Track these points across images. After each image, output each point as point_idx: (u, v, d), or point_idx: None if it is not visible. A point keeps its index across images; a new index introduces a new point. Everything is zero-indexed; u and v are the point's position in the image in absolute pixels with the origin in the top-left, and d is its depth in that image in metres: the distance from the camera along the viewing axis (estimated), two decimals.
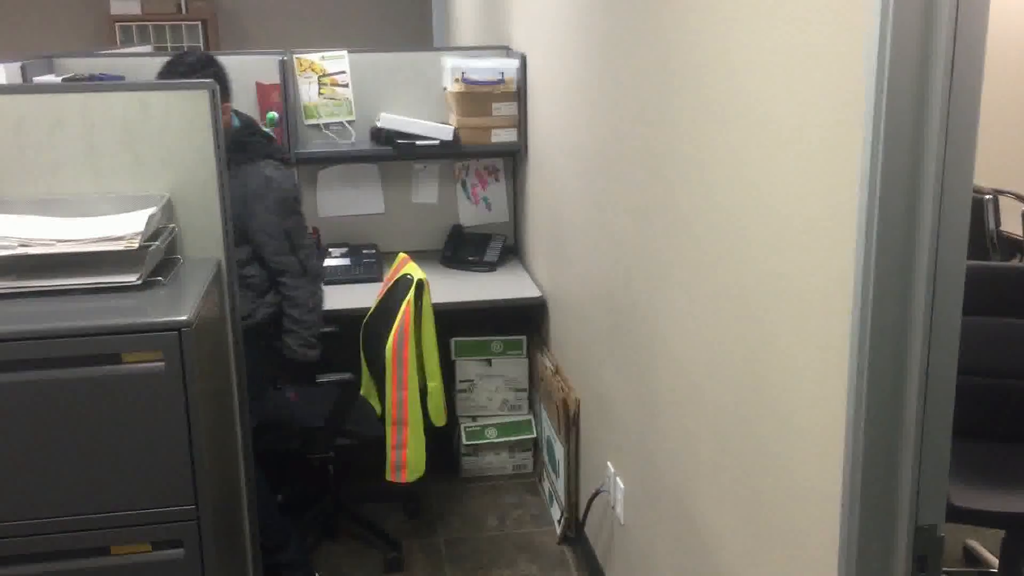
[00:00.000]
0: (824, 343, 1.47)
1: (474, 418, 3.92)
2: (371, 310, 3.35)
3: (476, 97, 3.91)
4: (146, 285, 1.77)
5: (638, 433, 2.55)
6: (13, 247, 1.71)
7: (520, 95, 3.94)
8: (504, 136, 4.00)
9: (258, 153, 2.84)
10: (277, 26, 8.85)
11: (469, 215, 4.31)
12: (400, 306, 3.06)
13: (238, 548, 2.02)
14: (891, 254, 1.32)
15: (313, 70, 4.11)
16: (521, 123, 3.97)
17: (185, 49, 8.40)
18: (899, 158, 1.29)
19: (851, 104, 1.35)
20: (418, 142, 3.92)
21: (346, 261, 3.97)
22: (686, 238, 2.06)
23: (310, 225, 3.40)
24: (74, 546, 1.65)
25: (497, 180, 4.33)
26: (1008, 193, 4.25)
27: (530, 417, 3.95)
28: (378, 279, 3.83)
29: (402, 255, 3.47)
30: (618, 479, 2.79)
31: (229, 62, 3.01)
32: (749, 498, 1.80)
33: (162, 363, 1.62)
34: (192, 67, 2.73)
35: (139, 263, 1.77)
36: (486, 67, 3.91)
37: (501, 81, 3.92)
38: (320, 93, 4.11)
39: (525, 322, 3.94)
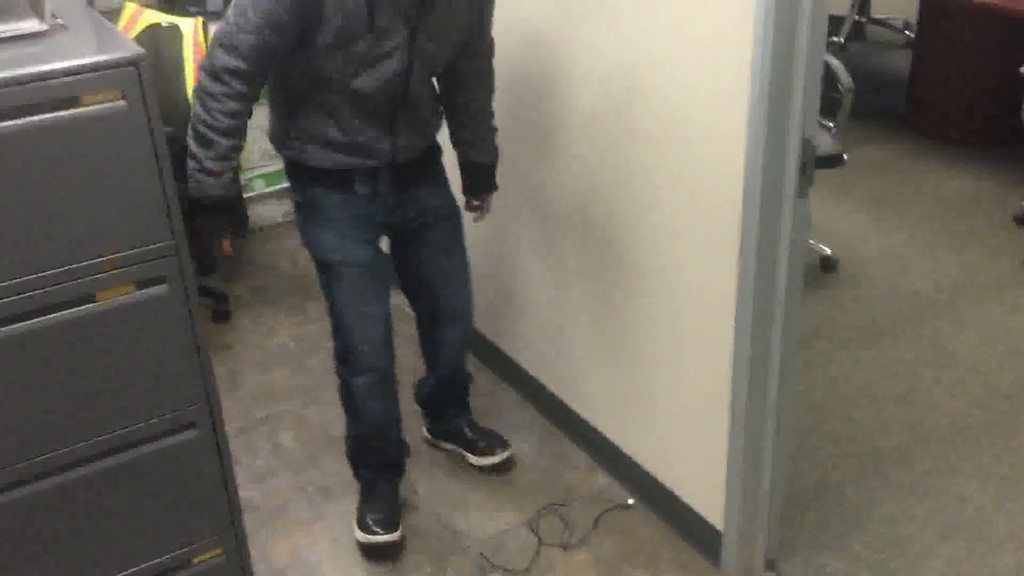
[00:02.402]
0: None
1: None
2: None
3: None
4: (52, 30, 1.67)
5: None
6: None
7: None
8: None
9: None
10: None
11: None
12: (179, 55, 2.98)
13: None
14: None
15: None
16: None
17: None
18: None
19: None
20: None
21: None
22: None
23: None
24: (58, 299, 1.64)
25: None
26: None
27: None
28: None
29: (130, 6, 3.30)
30: None
31: None
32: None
33: (123, 101, 1.59)
34: None
35: (38, 6, 1.65)
36: None
37: None
38: None
39: None
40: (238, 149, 2.07)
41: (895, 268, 3.56)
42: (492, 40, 2.24)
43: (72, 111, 1.56)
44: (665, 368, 2.28)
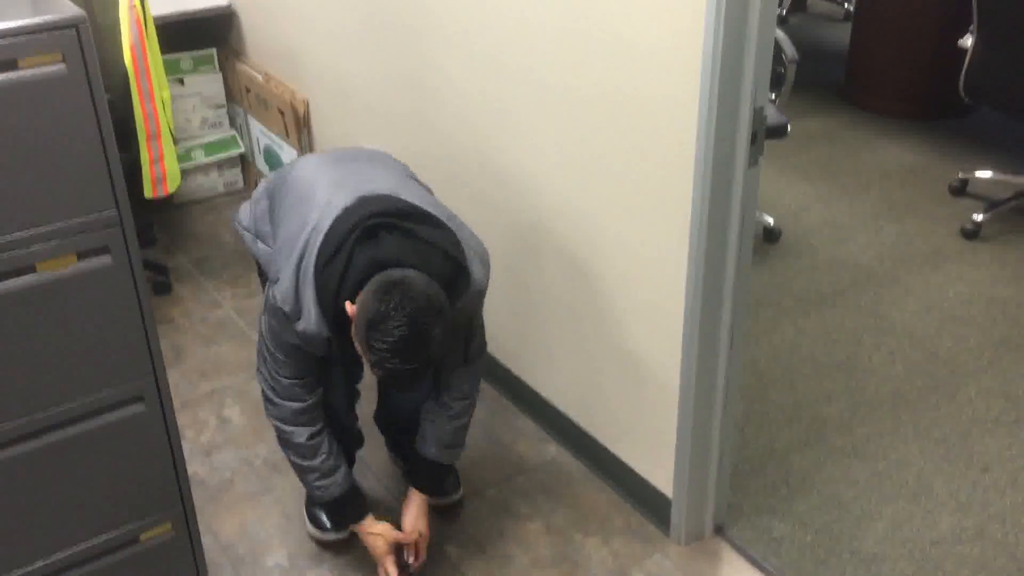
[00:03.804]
0: None
1: (176, 142, 3.82)
2: None
3: None
4: None
5: (415, 110, 2.74)
6: None
7: None
8: None
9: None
10: None
11: None
12: (115, 18, 2.89)
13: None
14: None
15: None
16: None
17: None
18: None
19: None
20: None
21: None
22: None
23: None
24: None
25: None
26: None
27: (234, 132, 3.93)
28: None
29: None
30: None
31: None
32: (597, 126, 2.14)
33: (63, 65, 1.53)
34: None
35: None
36: None
37: None
38: None
39: (211, 35, 3.82)
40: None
41: (836, 238, 3.62)
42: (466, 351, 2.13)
43: (9, 74, 1.50)
44: (616, 338, 2.29)
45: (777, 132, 3.32)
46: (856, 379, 2.86)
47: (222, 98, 3.87)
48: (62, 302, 1.67)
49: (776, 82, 3.33)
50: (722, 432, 2.21)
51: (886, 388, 2.82)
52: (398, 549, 2.19)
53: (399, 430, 2.47)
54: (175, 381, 2.85)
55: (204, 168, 3.91)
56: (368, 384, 2.35)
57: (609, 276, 2.24)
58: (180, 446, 1.94)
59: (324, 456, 2.10)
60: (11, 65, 1.50)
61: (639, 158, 2.03)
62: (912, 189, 3.96)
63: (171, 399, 1.88)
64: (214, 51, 3.80)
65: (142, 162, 2.88)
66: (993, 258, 3.46)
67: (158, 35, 3.01)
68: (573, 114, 2.16)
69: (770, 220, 3.63)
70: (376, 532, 2.17)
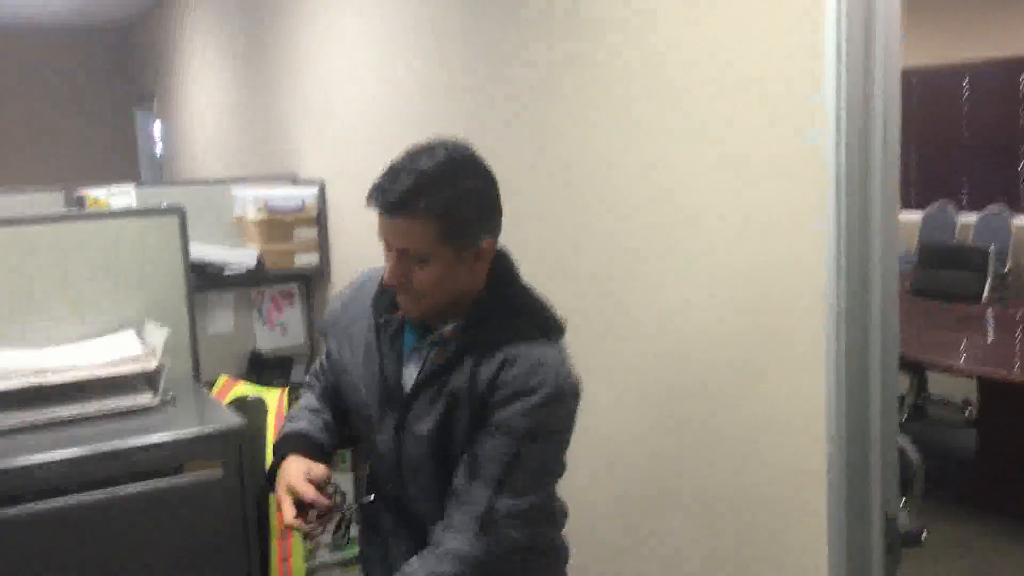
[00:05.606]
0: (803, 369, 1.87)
1: (305, 538, 3.91)
2: None
3: (279, 224, 4.06)
4: (163, 403, 1.79)
5: None
6: (28, 377, 1.68)
7: (321, 220, 4.13)
8: (306, 260, 4.16)
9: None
10: None
11: (266, 340, 4.36)
12: (263, 427, 3.11)
13: None
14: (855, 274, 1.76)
15: (99, 206, 4.03)
16: (323, 246, 4.16)
17: None
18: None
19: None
20: (226, 271, 3.97)
21: None
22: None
23: None
24: None
25: (292, 304, 4.43)
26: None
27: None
28: None
29: (223, 378, 3.53)
30: None
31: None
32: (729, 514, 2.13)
33: (220, 471, 1.67)
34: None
35: (154, 383, 1.79)
36: (289, 195, 4.09)
37: (302, 208, 4.11)
38: None
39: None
40: None
41: None
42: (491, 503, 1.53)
43: (173, 479, 1.64)
44: None
45: (912, 539, 3.19)
46: None
47: (350, 497, 4.00)
48: None
49: (904, 489, 3.27)
50: None
51: None
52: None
53: None
54: None
55: (327, 567, 3.95)
56: None
57: None
58: None
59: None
60: (177, 470, 1.64)
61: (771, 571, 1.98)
62: None
63: None
64: (349, 452, 4.00)
65: (271, 558, 2.95)
66: None
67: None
68: (695, 517, 2.16)
69: None
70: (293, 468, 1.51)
